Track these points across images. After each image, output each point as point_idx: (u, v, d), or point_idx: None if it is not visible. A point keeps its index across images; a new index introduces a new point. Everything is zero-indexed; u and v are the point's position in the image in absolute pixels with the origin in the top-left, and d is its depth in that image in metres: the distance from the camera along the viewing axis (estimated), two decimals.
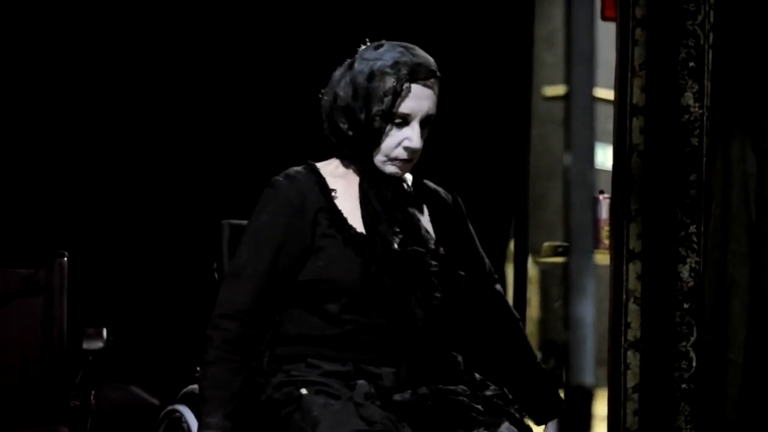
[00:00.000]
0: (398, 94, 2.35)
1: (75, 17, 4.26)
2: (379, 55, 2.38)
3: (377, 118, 2.35)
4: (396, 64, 2.36)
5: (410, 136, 2.37)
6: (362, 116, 2.37)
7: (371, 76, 2.36)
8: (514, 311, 2.65)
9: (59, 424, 3.27)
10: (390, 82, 2.35)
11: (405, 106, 2.36)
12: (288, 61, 4.45)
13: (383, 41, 2.45)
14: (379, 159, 2.40)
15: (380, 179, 2.42)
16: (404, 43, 2.44)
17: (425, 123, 2.40)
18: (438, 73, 2.42)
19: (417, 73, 2.37)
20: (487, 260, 2.62)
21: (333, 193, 2.42)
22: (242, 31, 4.46)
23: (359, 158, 2.43)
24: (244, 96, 4.45)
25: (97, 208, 4.28)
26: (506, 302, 2.66)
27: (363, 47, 2.45)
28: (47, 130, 4.24)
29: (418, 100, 2.37)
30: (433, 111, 2.40)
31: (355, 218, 2.41)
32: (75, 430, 3.28)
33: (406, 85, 2.35)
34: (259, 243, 2.39)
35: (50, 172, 4.23)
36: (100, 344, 3.32)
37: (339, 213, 2.40)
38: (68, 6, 4.26)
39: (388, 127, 2.37)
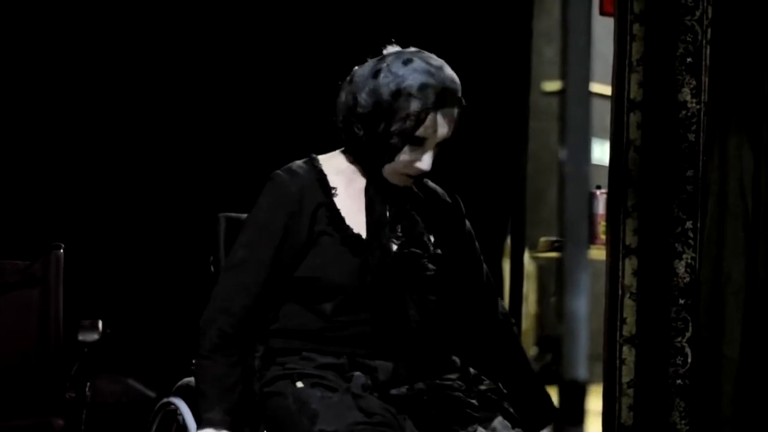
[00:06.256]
0: (421, 121, 2.32)
1: (74, 13, 4.25)
2: (407, 73, 2.33)
3: (395, 136, 2.33)
4: (424, 88, 2.31)
5: (423, 159, 2.36)
6: (380, 130, 2.34)
7: (397, 93, 2.31)
8: (509, 319, 2.63)
9: (54, 415, 3.27)
10: (415, 106, 2.31)
11: (425, 132, 2.33)
12: (285, 55, 4.44)
13: (412, 53, 2.38)
14: (387, 170, 2.38)
15: (386, 185, 2.42)
16: (433, 59, 2.38)
17: (439, 145, 2.39)
18: (463, 102, 2.38)
19: (443, 101, 2.33)
20: (485, 266, 2.59)
21: (333, 191, 2.41)
22: (239, 24, 4.45)
23: (368, 164, 2.41)
24: (241, 89, 4.44)
25: (94, 201, 4.28)
26: (500, 312, 2.61)
27: (389, 50, 2.40)
28: (44, 123, 4.23)
29: (439, 127, 2.34)
30: (449, 135, 2.37)
31: (353, 217, 2.39)
32: (70, 421, 3.28)
33: (431, 114, 2.32)
34: (258, 238, 2.37)
35: (47, 164, 4.23)
36: (95, 336, 3.32)
37: (338, 212, 2.39)
38: (68, 4, 4.25)
39: (404, 147, 2.36)
